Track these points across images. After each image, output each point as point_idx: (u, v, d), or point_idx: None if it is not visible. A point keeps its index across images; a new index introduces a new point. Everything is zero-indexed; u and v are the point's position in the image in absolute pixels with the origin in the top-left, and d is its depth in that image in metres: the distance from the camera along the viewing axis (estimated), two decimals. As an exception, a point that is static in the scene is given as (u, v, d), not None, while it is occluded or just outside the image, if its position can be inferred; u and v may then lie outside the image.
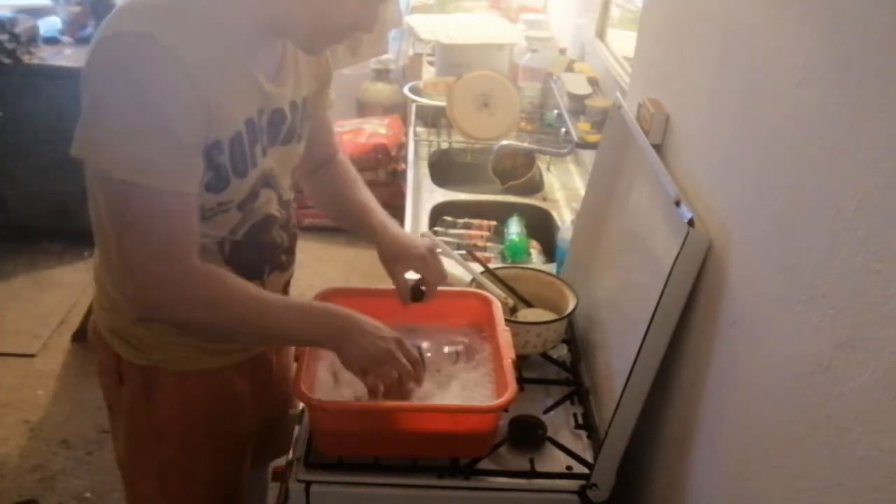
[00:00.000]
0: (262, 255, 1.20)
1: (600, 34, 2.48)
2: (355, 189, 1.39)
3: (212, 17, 1.01)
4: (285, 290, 1.32)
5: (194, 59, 0.97)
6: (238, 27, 1.04)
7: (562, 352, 1.52)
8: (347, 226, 1.40)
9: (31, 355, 2.79)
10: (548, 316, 1.49)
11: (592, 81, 2.25)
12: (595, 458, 1.19)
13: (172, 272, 1.01)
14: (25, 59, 3.19)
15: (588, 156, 2.23)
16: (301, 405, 1.28)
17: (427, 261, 1.31)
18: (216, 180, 1.06)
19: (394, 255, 1.31)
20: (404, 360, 1.13)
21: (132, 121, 0.95)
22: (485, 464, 1.21)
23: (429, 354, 1.30)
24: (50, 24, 3.51)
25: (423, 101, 2.71)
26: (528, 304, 1.54)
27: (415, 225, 2.01)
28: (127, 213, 0.99)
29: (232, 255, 1.14)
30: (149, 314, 1.05)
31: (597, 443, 1.27)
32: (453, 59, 2.83)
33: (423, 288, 1.30)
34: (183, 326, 1.09)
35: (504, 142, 2.32)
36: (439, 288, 1.32)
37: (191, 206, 1.02)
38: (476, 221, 2.06)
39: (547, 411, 1.35)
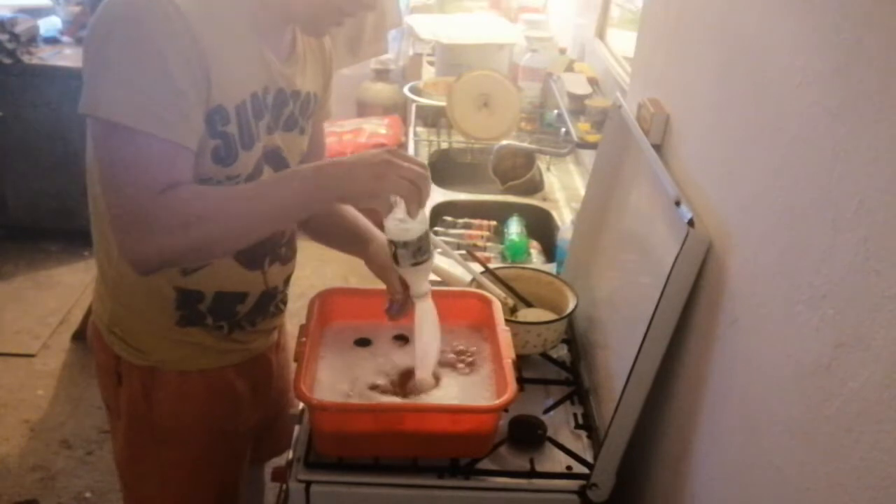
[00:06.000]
0: (267, 241, 1.19)
1: (600, 34, 2.48)
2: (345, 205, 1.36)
3: None
4: (286, 284, 1.32)
5: (201, 20, 0.98)
6: (248, 6, 1.06)
7: (562, 352, 1.52)
8: (330, 239, 1.37)
9: (31, 355, 2.79)
10: (548, 316, 1.49)
11: (592, 81, 2.24)
12: (595, 458, 1.19)
13: (144, 204, 0.97)
14: (25, 59, 3.20)
15: (588, 156, 2.23)
16: (301, 405, 1.28)
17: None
18: (225, 151, 1.05)
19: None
20: (406, 164, 1.03)
21: (136, 67, 0.95)
22: (485, 464, 1.21)
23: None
24: (50, 24, 3.51)
25: (423, 101, 2.71)
26: (528, 304, 1.54)
27: (415, 225, 2.01)
28: (115, 158, 0.98)
29: None
30: (137, 258, 1.00)
31: (597, 443, 1.27)
32: (453, 59, 2.83)
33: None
34: (177, 256, 1.04)
35: (504, 142, 2.32)
36: (440, 288, 1.31)
37: (181, 158, 0.99)
38: (476, 221, 2.06)
39: (547, 411, 1.35)
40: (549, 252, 1.97)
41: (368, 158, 1.03)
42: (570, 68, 2.43)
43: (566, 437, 1.29)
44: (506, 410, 1.20)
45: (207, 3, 1.00)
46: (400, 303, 1.24)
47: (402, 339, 1.34)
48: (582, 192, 2.03)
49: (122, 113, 0.95)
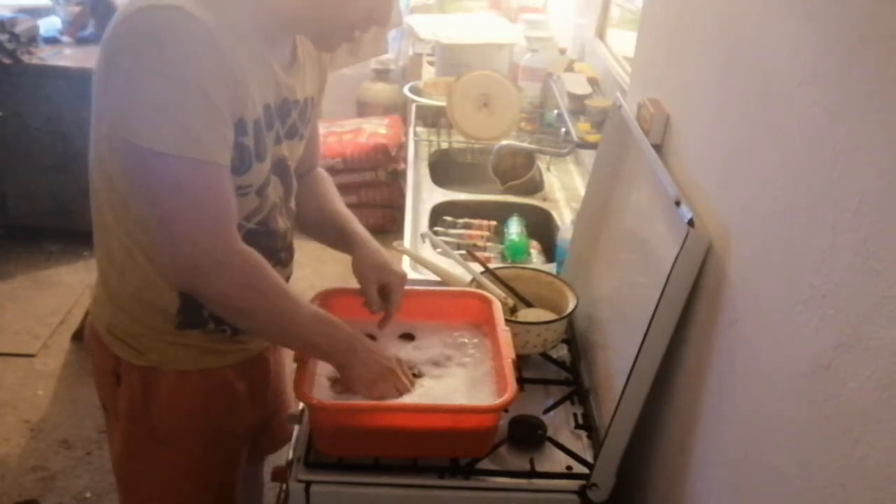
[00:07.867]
0: (270, 245, 1.20)
1: (600, 34, 2.48)
2: (337, 202, 1.38)
3: (231, 5, 1.02)
4: None
5: (224, 36, 0.98)
6: (256, 18, 1.05)
7: (562, 352, 1.52)
8: (321, 235, 1.39)
9: (31, 355, 2.79)
10: (548, 316, 1.49)
11: (592, 81, 2.24)
12: (595, 458, 1.19)
13: (220, 246, 1.01)
14: (25, 59, 3.19)
15: (588, 156, 2.23)
16: (301, 405, 1.28)
17: (401, 283, 1.31)
18: (239, 161, 1.06)
19: (375, 265, 1.29)
20: (405, 379, 1.19)
21: (173, 90, 0.95)
22: (485, 464, 1.21)
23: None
24: (50, 24, 3.51)
25: (423, 101, 2.71)
26: (528, 304, 1.54)
27: (415, 225, 2.01)
28: (169, 186, 0.98)
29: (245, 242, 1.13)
30: (190, 284, 1.04)
31: (597, 443, 1.27)
32: (453, 59, 2.83)
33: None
34: (217, 303, 1.08)
35: (504, 142, 2.32)
36: (441, 288, 1.32)
37: (228, 179, 1.03)
38: (476, 221, 2.06)
39: (547, 411, 1.35)
40: (549, 252, 1.97)
41: (381, 361, 1.17)
42: (570, 68, 2.43)
43: (566, 437, 1.29)
44: (506, 410, 1.20)
45: (224, 18, 1.00)
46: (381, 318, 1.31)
47: (408, 338, 1.35)
48: (582, 192, 2.03)
49: (164, 140, 0.95)
